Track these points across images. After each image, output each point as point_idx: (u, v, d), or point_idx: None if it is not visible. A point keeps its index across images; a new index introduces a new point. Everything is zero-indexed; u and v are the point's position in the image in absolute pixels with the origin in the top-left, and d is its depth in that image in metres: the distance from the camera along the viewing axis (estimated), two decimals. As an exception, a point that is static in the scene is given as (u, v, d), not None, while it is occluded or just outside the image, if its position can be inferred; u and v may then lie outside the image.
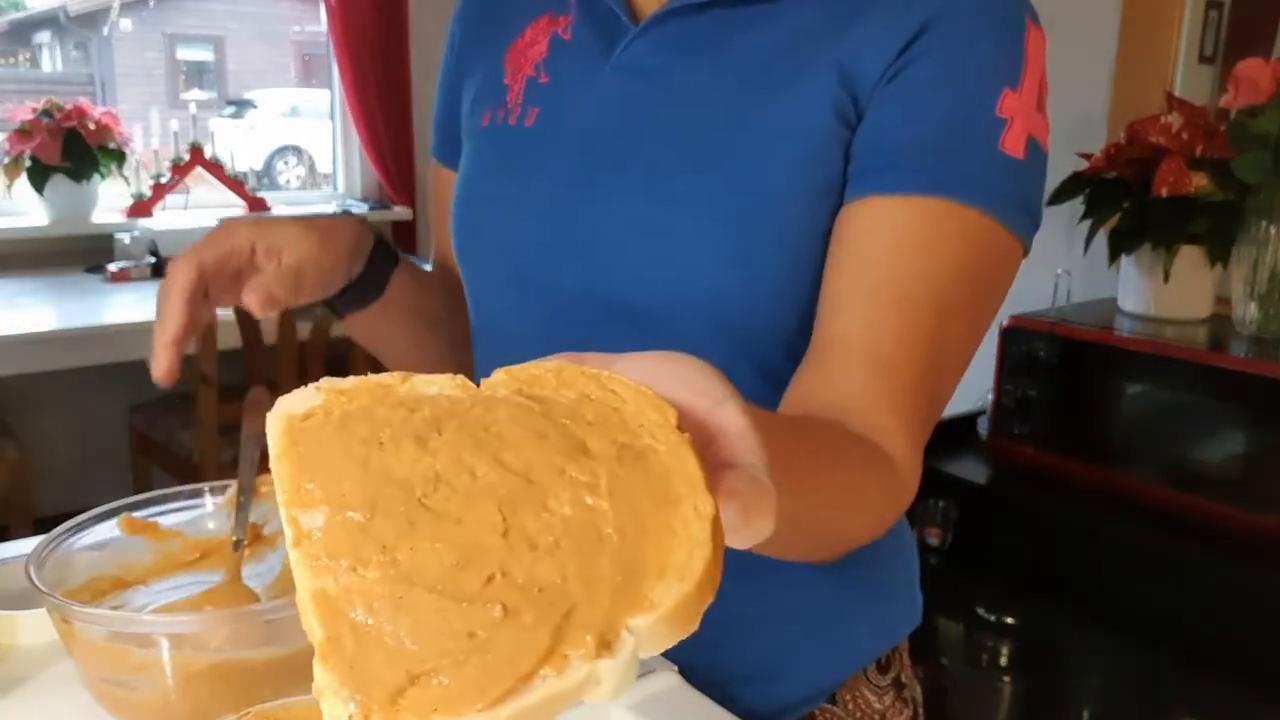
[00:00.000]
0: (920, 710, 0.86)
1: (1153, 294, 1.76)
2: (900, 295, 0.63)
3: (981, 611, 1.77)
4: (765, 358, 0.71)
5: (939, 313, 0.63)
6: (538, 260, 0.74)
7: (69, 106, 2.83)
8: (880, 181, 0.64)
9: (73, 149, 2.80)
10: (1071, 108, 2.15)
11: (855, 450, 0.60)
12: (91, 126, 2.84)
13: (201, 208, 3.19)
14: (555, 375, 0.32)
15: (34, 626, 0.68)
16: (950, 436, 1.89)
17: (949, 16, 0.63)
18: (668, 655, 0.70)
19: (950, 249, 0.63)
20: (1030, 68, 0.65)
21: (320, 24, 3.48)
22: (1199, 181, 1.64)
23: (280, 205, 3.33)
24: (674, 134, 0.70)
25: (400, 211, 3.39)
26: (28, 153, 2.77)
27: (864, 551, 0.73)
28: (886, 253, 0.63)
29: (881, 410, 0.62)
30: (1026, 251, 0.67)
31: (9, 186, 2.88)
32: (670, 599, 0.26)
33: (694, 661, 0.73)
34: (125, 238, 2.81)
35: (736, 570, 0.74)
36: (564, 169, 0.73)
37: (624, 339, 0.73)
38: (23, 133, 2.77)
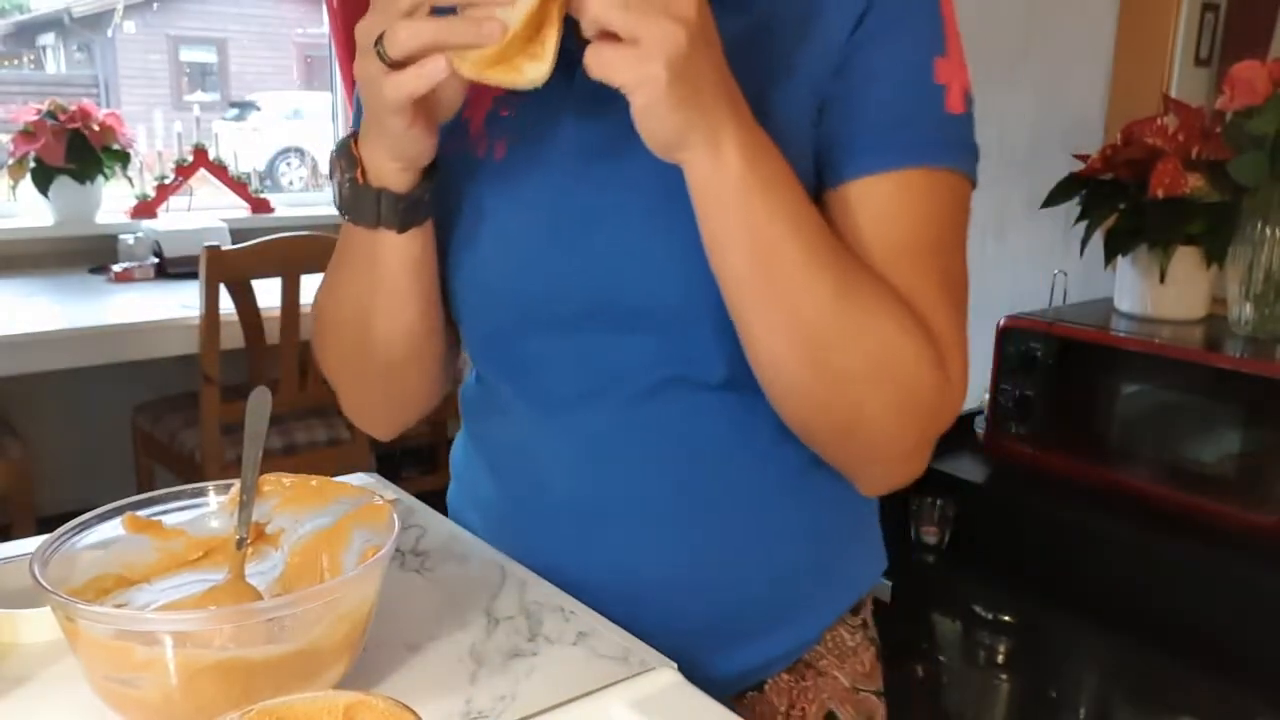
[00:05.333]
0: (878, 648, 0.92)
1: (1149, 294, 1.77)
2: (902, 254, 0.70)
3: (979, 609, 1.77)
4: None
5: (937, 253, 0.71)
6: (545, 287, 0.75)
7: (73, 108, 2.83)
8: (859, 165, 0.70)
9: (77, 150, 2.81)
10: (1068, 109, 2.16)
11: (883, 290, 0.68)
12: (95, 128, 2.84)
13: (205, 209, 3.20)
14: None
15: (37, 625, 0.69)
16: (947, 436, 1.88)
17: (878, 4, 0.69)
18: (675, 646, 0.71)
19: (929, 204, 0.71)
20: (949, 29, 0.71)
21: (322, 26, 3.49)
22: (1195, 182, 1.64)
23: (283, 206, 3.33)
24: None
25: (401, 212, 3.38)
26: (32, 154, 2.77)
27: (854, 497, 0.80)
28: (881, 225, 0.70)
29: (916, 306, 0.69)
30: (974, 186, 0.74)
31: (13, 188, 2.89)
32: None
33: (705, 613, 0.79)
34: (129, 239, 2.82)
35: (740, 532, 0.79)
36: (551, 193, 0.74)
37: (632, 344, 0.74)
38: (27, 134, 2.77)
